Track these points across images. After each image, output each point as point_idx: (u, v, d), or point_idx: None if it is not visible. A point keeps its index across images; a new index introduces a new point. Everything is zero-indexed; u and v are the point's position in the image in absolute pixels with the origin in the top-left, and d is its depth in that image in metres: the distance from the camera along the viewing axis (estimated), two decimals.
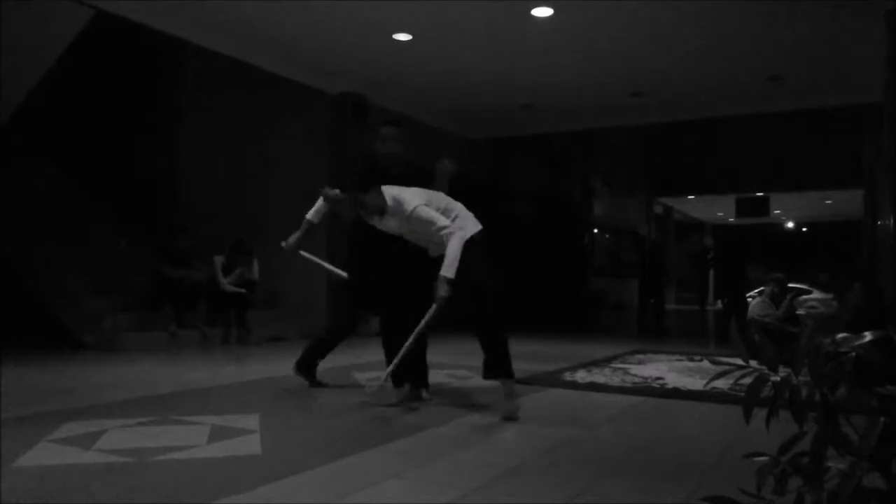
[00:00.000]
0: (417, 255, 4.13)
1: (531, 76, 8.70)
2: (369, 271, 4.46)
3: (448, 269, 3.73)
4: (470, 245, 3.89)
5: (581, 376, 5.50)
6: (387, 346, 4.48)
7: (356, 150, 9.38)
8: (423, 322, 3.87)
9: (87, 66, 9.05)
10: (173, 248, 7.92)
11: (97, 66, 9.46)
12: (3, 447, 3.02)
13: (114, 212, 9.07)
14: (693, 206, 22.42)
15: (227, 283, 7.94)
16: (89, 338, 7.09)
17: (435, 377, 4.75)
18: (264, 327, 8.21)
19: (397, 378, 4.25)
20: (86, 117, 9.57)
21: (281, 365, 6.19)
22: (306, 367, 5.02)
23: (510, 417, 3.79)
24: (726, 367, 1.41)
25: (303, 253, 4.81)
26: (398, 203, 3.96)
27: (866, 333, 1.26)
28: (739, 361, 1.38)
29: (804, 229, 27.03)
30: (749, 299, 8.31)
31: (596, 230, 16.60)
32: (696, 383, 5.19)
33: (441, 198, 4.10)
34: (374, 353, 7.26)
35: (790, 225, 26.64)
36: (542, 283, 12.49)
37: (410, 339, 3.91)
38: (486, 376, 3.96)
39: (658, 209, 21.54)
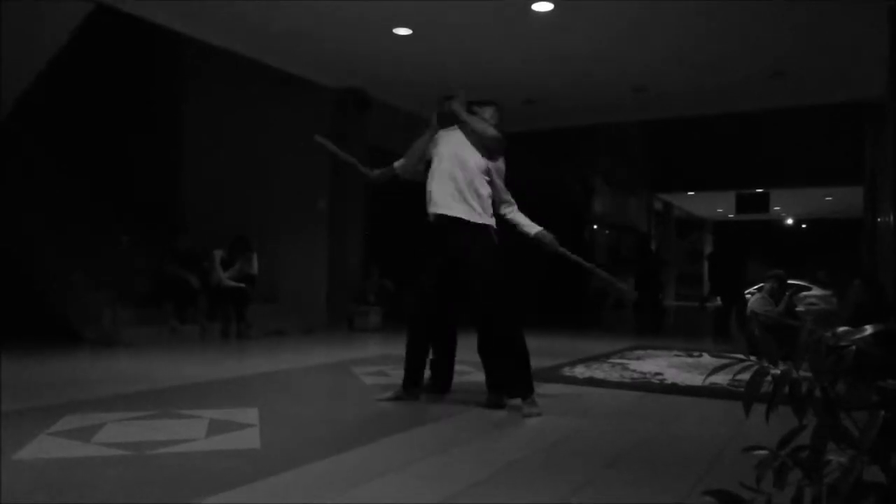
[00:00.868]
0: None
1: (532, 71, 8.68)
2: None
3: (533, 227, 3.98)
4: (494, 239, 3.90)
5: (580, 371, 5.50)
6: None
7: (357, 145, 9.39)
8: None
9: (86, 61, 9.03)
10: (175, 247, 7.92)
11: (97, 61, 9.45)
12: (3, 440, 3.02)
13: (115, 206, 9.06)
14: (693, 202, 22.41)
15: (226, 278, 7.94)
16: (89, 332, 7.09)
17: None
18: (264, 322, 8.20)
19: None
20: (86, 112, 9.56)
21: (280, 359, 6.20)
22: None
23: (532, 415, 3.75)
24: (725, 361, 1.41)
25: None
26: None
27: (867, 327, 1.26)
28: (740, 356, 1.38)
29: (804, 226, 27.02)
30: (748, 296, 8.32)
31: (596, 227, 16.60)
32: (695, 379, 5.19)
33: None
34: (373, 348, 7.28)
35: (790, 221, 26.63)
36: (542, 279, 12.49)
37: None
38: (511, 396, 3.88)
39: (658, 205, 21.53)
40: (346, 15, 6.90)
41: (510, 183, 4.21)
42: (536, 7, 6.63)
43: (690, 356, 6.70)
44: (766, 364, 1.29)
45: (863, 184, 11.90)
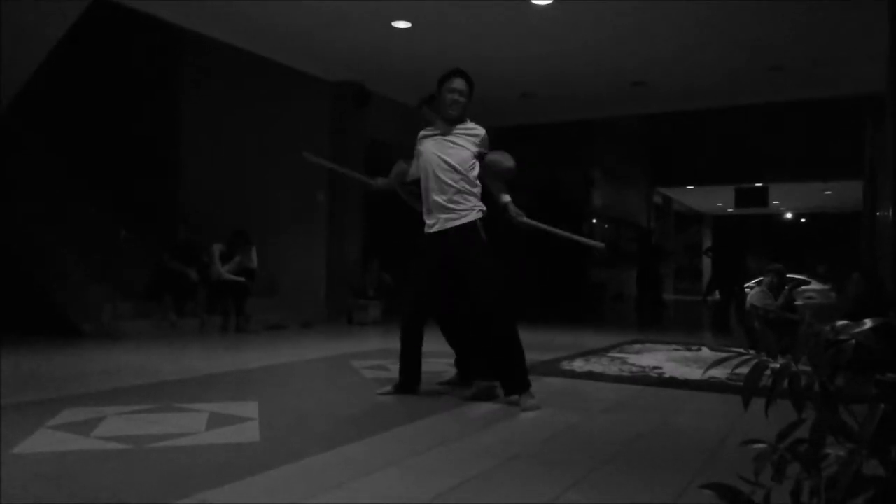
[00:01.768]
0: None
1: (531, 65, 8.67)
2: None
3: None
4: (478, 227, 3.91)
5: (579, 365, 5.50)
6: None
7: (356, 137, 9.38)
8: None
9: (85, 55, 9.01)
10: (174, 241, 7.92)
11: (96, 55, 9.43)
12: (4, 433, 3.03)
13: (113, 200, 9.05)
14: (692, 196, 22.41)
15: (225, 272, 7.94)
16: (89, 326, 7.09)
17: (434, 366, 4.75)
18: (263, 315, 8.21)
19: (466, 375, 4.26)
20: (85, 105, 9.54)
21: (279, 353, 6.21)
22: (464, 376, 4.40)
23: (530, 409, 3.76)
24: (724, 355, 1.41)
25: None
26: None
27: (866, 321, 1.26)
28: (739, 349, 1.38)
29: (803, 220, 27.03)
30: (747, 290, 8.33)
31: (595, 220, 16.60)
32: (694, 372, 5.20)
33: None
34: (372, 342, 7.28)
35: (789, 215, 26.64)
36: (542, 273, 12.50)
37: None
38: (509, 393, 3.88)
39: (658, 199, 21.54)
40: (344, 8, 6.88)
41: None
42: (535, 1, 6.61)
43: (689, 350, 6.71)
44: (765, 358, 1.29)
45: (862, 178, 11.91)
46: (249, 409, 3.68)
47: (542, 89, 9.76)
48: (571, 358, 5.86)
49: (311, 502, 2.29)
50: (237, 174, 9.70)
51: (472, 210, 3.92)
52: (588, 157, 15.55)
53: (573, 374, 5.08)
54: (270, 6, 6.85)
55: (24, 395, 3.94)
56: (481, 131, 4.08)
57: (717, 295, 9.69)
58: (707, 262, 19.48)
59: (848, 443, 1.19)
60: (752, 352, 1.34)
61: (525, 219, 4.10)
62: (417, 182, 4.11)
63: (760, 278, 7.09)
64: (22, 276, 7.46)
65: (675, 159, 18.69)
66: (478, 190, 3.99)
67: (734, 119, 13.44)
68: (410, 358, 4.07)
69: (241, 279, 7.98)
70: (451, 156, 3.95)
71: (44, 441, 2.97)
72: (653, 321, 10.25)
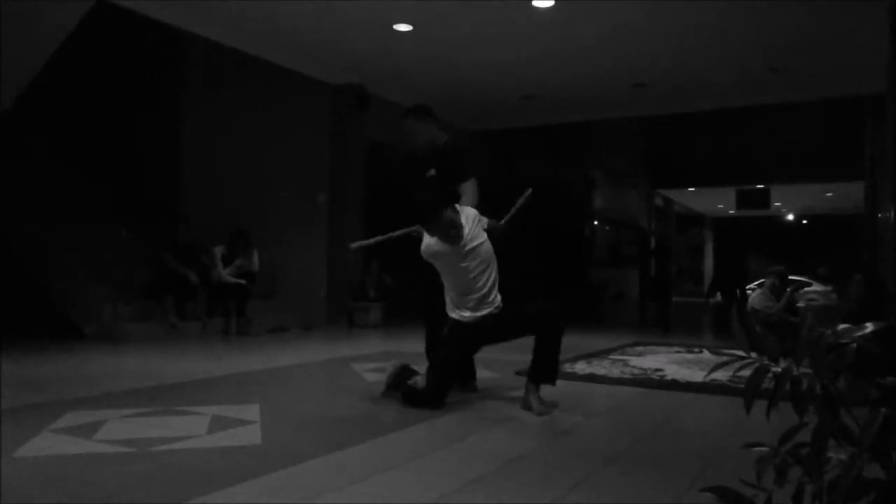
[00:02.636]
0: None
1: (532, 67, 8.67)
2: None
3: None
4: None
5: (580, 368, 5.50)
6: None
7: (357, 140, 9.39)
8: None
9: (87, 56, 9.02)
10: (175, 240, 7.93)
11: (98, 56, 9.43)
12: (5, 437, 3.03)
13: (114, 201, 9.06)
14: (693, 198, 22.39)
15: (226, 274, 7.94)
16: (90, 328, 7.10)
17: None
18: (264, 318, 8.21)
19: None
20: (87, 107, 9.55)
21: (280, 356, 6.21)
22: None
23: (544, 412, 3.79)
24: (726, 358, 1.41)
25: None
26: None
27: (867, 324, 1.26)
28: (740, 352, 1.38)
29: (804, 222, 27.01)
30: (748, 292, 8.32)
31: (596, 222, 16.60)
32: (696, 375, 5.19)
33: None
34: (373, 344, 7.28)
35: (790, 217, 26.62)
36: (543, 274, 12.49)
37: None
38: (540, 381, 3.95)
39: (658, 201, 21.53)
40: (346, 11, 6.89)
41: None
42: (537, 3, 6.62)
43: (691, 352, 6.70)
44: (766, 361, 1.29)
45: (863, 179, 11.89)
46: (251, 412, 3.68)
47: (544, 91, 9.77)
48: (573, 360, 5.86)
49: None
50: (238, 176, 9.71)
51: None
52: (589, 158, 15.55)
53: (575, 377, 5.08)
54: (272, 9, 6.86)
55: (25, 399, 3.94)
56: (472, 212, 4.05)
57: (718, 297, 9.68)
58: (709, 265, 19.47)
59: (849, 446, 1.19)
60: (753, 355, 1.34)
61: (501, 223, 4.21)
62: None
63: (762, 280, 7.09)
64: (22, 278, 7.46)
65: (675, 161, 18.68)
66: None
67: (735, 121, 13.42)
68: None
69: (242, 282, 7.99)
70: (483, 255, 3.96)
71: (45, 444, 2.98)
72: (663, 324, 10.06)
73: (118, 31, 8.78)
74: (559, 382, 4.79)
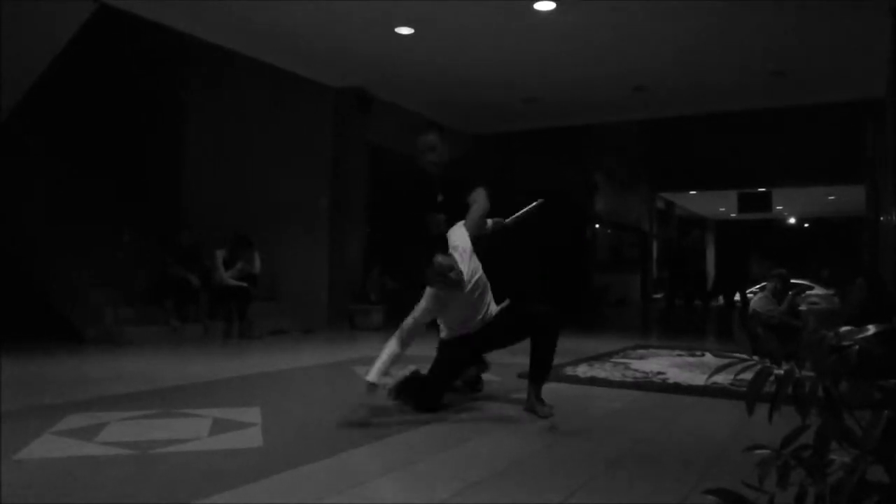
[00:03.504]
0: None
1: (533, 70, 8.68)
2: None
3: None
4: None
5: (582, 371, 5.49)
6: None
7: (359, 143, 9.39)
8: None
9: (89, 60, 9.03)
10: (177, 245, 7.93)
11: (100, 60, 9.45)
12: (6, 439, 3.03)
13: (117, 205, 9.07)
14: (695, 201, 22.38)
15: (228, 278, 7.94)
16: (91, 331, 7.10)
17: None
18: (266, 321, 8.21)
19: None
20: (89, 110, 9.56)
21: (282, 358, 6.21)
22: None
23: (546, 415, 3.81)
24: (728, 361, 1.40)
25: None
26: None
27: (870, 327, 1.26)
28: (742, 355, 1.38)
29: (806, 225, 26.99)
30: (750, 295, 8.31)
31: (598, 225, 16.60)
32: (698, 378, 5.18)
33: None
34: (375, 347, 7.28)
35: (792, 220, 26.60)
36: (545, 278, 12.48)
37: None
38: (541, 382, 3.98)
39: (660, 204, 21.52)
40: (347, 14, 6.89)
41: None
42: (538, 6, 6.62)
43: (692, 355, 6.69)
44: (768, 364, 1.29)
45: (865, 182, 11.89)
46: (252, 414, 3.67)
47: (545, 94, 9.77)
48: (575, 363, 5.85)
49: None
50: (240, 179, 9.71)
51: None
52: (590, 161, 15.55)
53: (577, 380, 5.07)
54: (273, 12, 6.87)
55: (26, 401, 3.94)
56: (464, 240, 4.02)
57: (720, 300, 9.67)
58: (710, 268, 19.45)
59: (852, 449, 1.19)
60: (755, 357, 1.34)
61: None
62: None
63: (764, 283, 7.08)
64: (24, 281, 7.47)
65: (677, 164, 18.67)
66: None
67: (737, 124, 13.42)
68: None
69: (244, 284, 7.99)
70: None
71: (46, 447, 2.98)
72: (693, 322, 9.86)
73: (120, 35, 8.80)
74: (561, 386, 4.80)
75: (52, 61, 7.27)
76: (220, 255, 8.02)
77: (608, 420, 3.83)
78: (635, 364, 5.98)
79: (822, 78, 8.78)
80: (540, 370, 3.94)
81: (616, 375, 5.31)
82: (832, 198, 20.43)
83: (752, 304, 6.86)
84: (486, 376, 4.59)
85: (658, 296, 17.91)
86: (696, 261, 12.66)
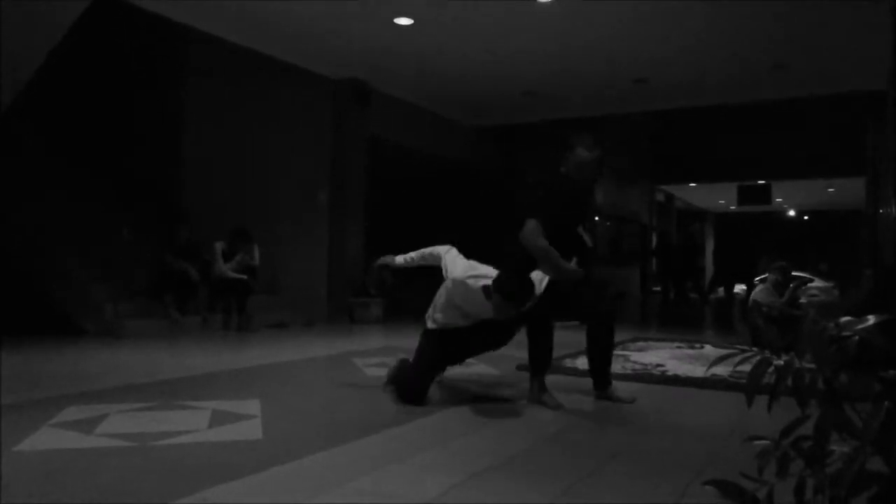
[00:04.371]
0: None
1: (533, 63, 8.65)
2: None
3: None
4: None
5: (581, 363, 5.48)
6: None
7: (358, 135, 9.37)
8: None
9: (87, 53, 9.01)
10: (175, 239, 7.92)
11: (97, 53, 9.43)
12: (5, 431, 3.03)
13: (116, 198, 9.06)
14: (695, 193, 22.38)
15: (227, 270, 7.94)
16: (91, 324, 7.10)
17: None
18: (265, 314, 8.21)
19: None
20: (87, 104, 9.54)
21: (281, 351, 6.21)
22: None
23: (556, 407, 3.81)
24: (727, 352, 1.40)
25: None
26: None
27: (870, 317, 1.25)
28: (742, 346, 1.37)
29: (806, 217, 26.99)
30: (756, 283, 8.30)
31: (597, 218, 16.58)
32: (697, 370, 5.19)
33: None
34: (374, 340, 7.28)
35: (792, 213, 26.59)
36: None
37: None
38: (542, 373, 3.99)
39: (660, 197, 21.50)
40: (346, 5, 6.87)
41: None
42: None
43: (692, 347, 6.70)
44: (768, 355, 1.29)
45: (865, 175, 11.88)
46: (252, 406, 3.68)
47: (545, 87, 9.74)
48: (574, 356, 5.85)
49: (314, 501, 2.29)
50: (239, 172, 9.69)
51: None
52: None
53: (575, 372, 5.07)
54: (271, 4, 6.84)
55: (26, 394, 3.94)
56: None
57: (719, 292, 9.67)
58: (710, 260, 19.45)
59: (852, 440, 1.19)
60: (755, 349, 1.34)
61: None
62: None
63: (765, 275, 7.07)
64: (24, 275, 7.46)
65: (677, 156, 18.65)
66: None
67: (737, 116, 13.40)
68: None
69: (243, 277, 7.98)
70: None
71: (46, 439, 2.98)
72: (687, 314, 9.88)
73: (117, 27, 8.77)
74: (560, 378, 4.80)
75: (49, 55, 7.24)
76: (219, 247, 8.01)
77: (607, 412, 3.83)
78: (635, 356, 5.99)
79: (822, 71, 8.76)
80: (540, 363, 3.94)
81: (615, 367, 5.29)
82: (831, 190, 20.42)
83: (754, 296, 6.86)
84: (484, 368, 4.60)
85: (657, 288, 17.92)
86: (692, 254, 12.64)
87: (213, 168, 9.86)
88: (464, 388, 4.29)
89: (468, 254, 4.08)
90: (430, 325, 3.99)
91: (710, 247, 25.66)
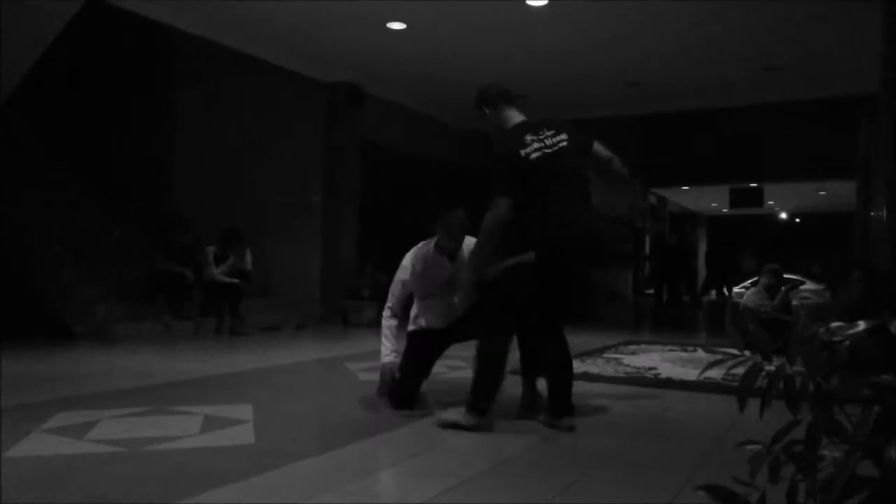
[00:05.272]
0: None
1: (525, 65, 8.67)
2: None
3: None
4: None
5: (574, 366, 5.49)
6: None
7: (351, 138, 9.37)
8: None
9: (80, 54, 8.98)
10: (168, 242, 7.89)
11: (90, 55, 9.39)
12: None
13: (107, 201, 9.02)
14: (687, 196, 22.44)
15: (219, 273, 7.91)
16: (82, 328, 7.06)
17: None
18: (257, 317, 8.19)
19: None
20: (79, 105, 9.51)
21: (274, 355, 6.19)
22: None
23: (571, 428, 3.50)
24: (720, 357, 1.40)
25: None
26: None
27: (860, 322, 1.26)
28: (734, 351, 1.38)
29: (798, 220, 27.10)
30: (743, 290, 8.33)
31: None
32: (690, 373, 5.20)
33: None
34: (367, 343, 7.26)
35: (784, 216, 26.69)
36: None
37: None
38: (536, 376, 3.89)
39: (652, 200, 21.55)
40: (339, 9, 6.87)
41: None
42: (530, 1, 6.61)
43: (685, 351, 6.72)
44: (760, 360, 1.29)
45: (856, 178, 11.94)
46: (244, 411, 3.66)
47: (536, 90, 9.73)
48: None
49: None
50: (232, 175, 9.67)
51: None
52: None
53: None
54: (265, 7, 6.84)
55: (16, 398, 3.91)
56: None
57: (712, 295, 9.70)
58: (702, 263, 19.52)
59: (843, 444, 1.19)
60: (747, 353, 1.34)
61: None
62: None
63: (756, 278, 7.09)
64: (14, 277, 7.42)
65: (669, 159, 18.70)
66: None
67: (729, 119, 13.47)
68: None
69: (236, 281, 7.95)
70: None
71: (37, 444, 2.96)
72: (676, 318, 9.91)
73: (109, 30, 8.74)
74: None
75: (42, 57, 7.21)
76: (210, 251, 7.98)
77: (599, 416, 3.83)
78: (627, 359, 5.99)
79: (814, 74, 8.81)
80: (532, 368, 3.94)
81: (608, 371, 5.32)
82: (823, 193, 20.52)
83: (745, 299, 6.88)
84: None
85: (650, 291, 17.97)
86: (683, 257, 12.68)
87: (206, 170, 9.84)
88: (455, 393, 4.28)
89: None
90: (409, 327, 3.99)
91: (702, 249, 25.77)
